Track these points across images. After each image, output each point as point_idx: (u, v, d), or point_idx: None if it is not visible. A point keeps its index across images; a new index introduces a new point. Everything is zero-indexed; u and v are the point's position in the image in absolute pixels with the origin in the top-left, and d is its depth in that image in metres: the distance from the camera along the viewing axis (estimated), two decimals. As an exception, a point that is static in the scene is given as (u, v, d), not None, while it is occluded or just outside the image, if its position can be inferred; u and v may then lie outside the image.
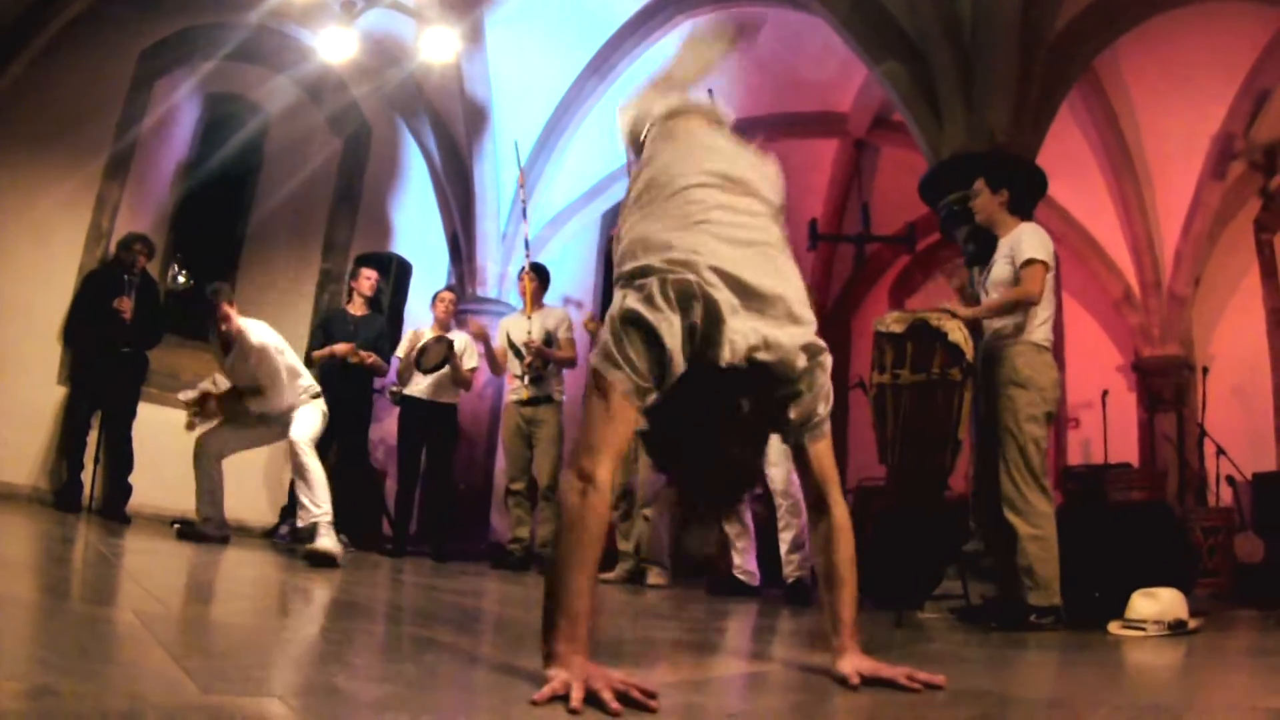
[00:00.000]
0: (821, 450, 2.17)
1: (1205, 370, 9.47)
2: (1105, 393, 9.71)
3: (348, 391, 7.64)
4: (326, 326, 7.97)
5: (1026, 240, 4.47)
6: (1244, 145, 9.51)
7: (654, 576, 6.40)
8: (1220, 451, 8.81)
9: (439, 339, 7.70)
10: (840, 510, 2.18)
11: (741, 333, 1.93)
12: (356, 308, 8.06)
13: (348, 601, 3.33)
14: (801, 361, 2.05)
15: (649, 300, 1.87)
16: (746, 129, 8.90)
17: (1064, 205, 10.17)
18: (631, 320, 1.86)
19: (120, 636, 1.75)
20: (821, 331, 7.24)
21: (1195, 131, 9.44)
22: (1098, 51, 7.30)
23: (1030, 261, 4.37)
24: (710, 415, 1.94)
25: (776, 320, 2.02)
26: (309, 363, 7.80)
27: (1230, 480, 8.82)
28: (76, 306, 7.73)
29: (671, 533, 6.26)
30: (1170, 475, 9.58)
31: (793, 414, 2.09)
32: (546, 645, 1.68)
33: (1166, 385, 10.10)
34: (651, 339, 1.84)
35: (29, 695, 1.13)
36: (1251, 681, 2.51)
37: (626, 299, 1.91)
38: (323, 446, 7.76)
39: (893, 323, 4.37)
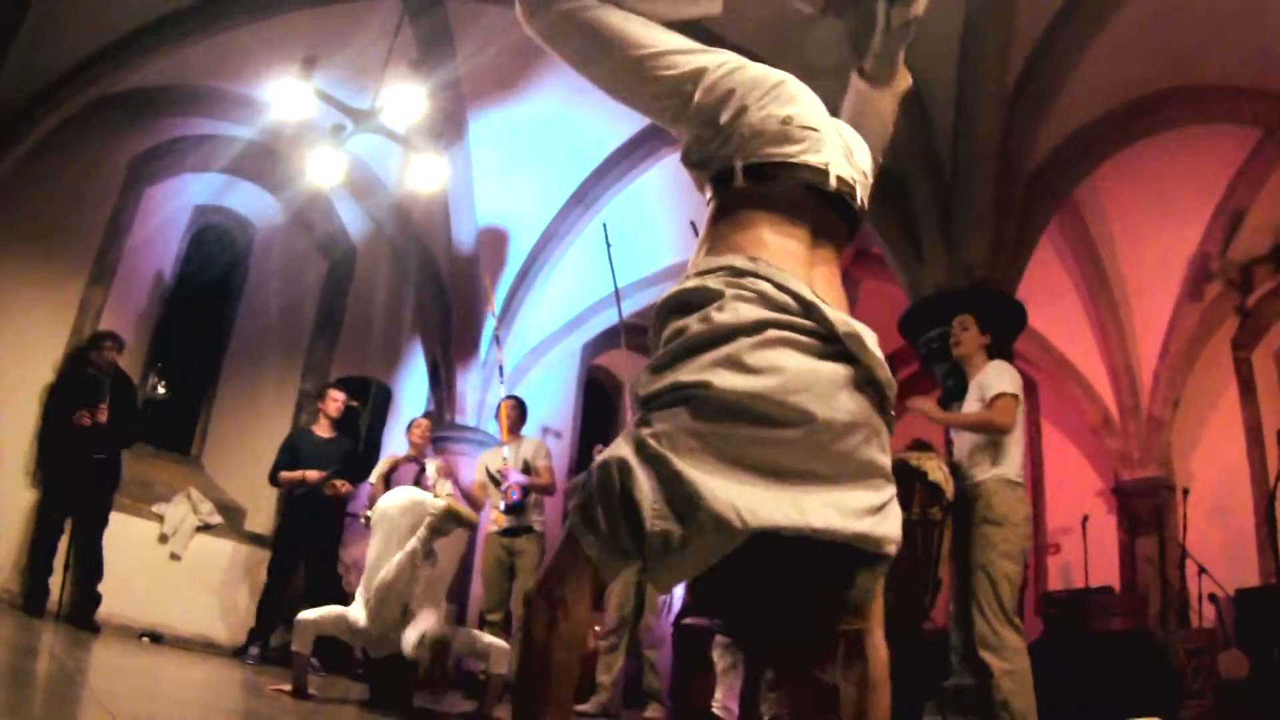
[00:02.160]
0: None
1: (1185, 491, 9.49)
2: (1085, 518, 9.71)
3: (315, 515, 7.65)
4: (293, 447, 7.89)
5: (995, 376, 4.57)
6: (1219, 265, 9.68)
7: (651, 710, 6.43)
8: (1202, 570, 8.79)
9: (412, 458, 7.69)
10: (880, 655, 1.72)
11: None
12: (323, 429, 8.03)
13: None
14: None
15: None
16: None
17: (1042, 332, 10.26)
18: None
19: None
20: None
21: (1171, 254, 9.63)
22: (1075, 183, 7.56)
23: (1000, 395, 4.43)
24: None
25: None
26: (275, 483, 7.79)
27: (1213, 598, 8.79)
28: (49, 409, 7.66)
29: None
30: (1152, 597, 9.54)
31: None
32: None
33: (1146, 507, 10.10)
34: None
35: None
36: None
37: None
38: (289, 569, 7.75)
39: (872, 462, 4.38)
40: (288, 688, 4.76)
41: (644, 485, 1.46)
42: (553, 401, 11.15)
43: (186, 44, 7.61)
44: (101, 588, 7.30)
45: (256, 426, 9.10)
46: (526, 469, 7.18)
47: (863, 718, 1.66)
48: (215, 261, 9.82)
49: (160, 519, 8.29)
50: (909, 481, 4.29)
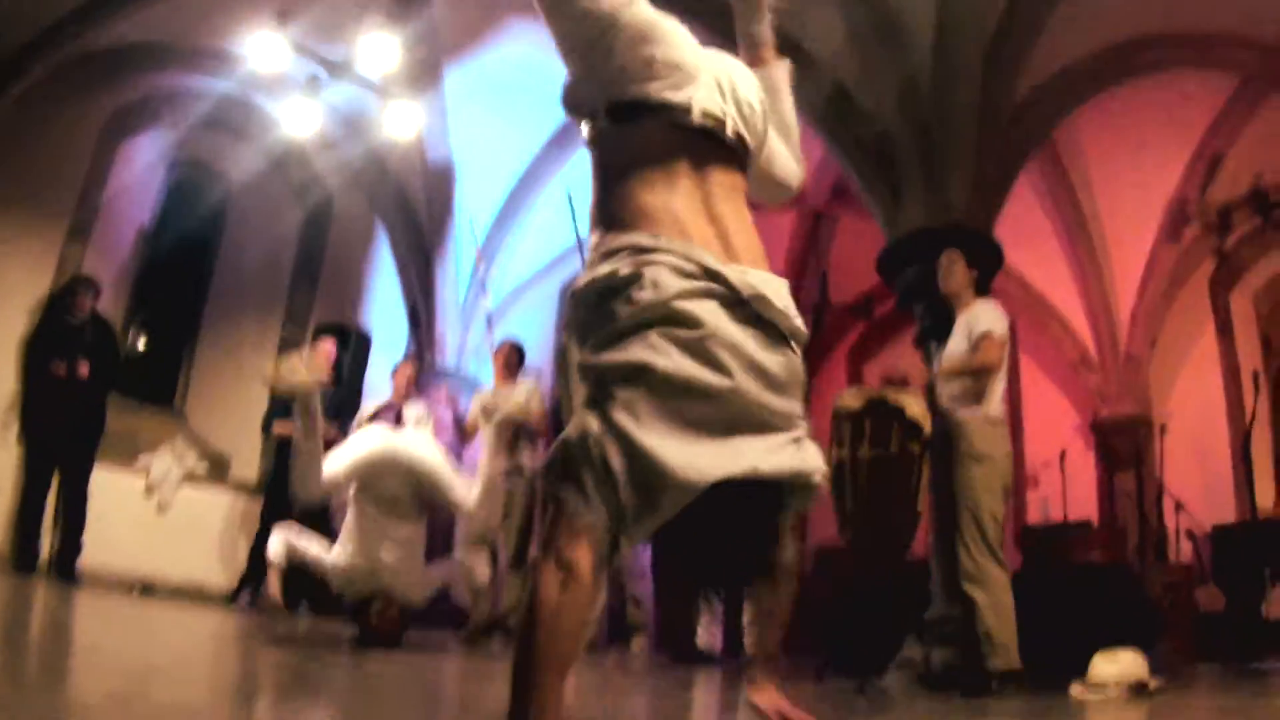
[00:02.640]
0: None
1: (1163, 428, 9.64)
2: (1063, 452, 9.84)
3: None
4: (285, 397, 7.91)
5: (983, 315, 4.59)
6: (1197, 208, 9.76)
7: (636, 644, 6.54)
8: (1179, 507, 8.95)
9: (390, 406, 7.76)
10: (792, 551, 1.99)
11: None
12: None
13: (308, 680, 3.31)
14: None
15: None
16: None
17: (1021, 272, 10.34)
18: None
19: None
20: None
21: (1150, 196, 9.70)
22: (1054, 124, 7.55)
23: (987, 334, 4.48)
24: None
25: None
26: (267, 433, 7.82)
27: (1190, 534, 8.97)
28: (27, 362, 7.50)
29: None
30: (1130, 532, 9.70)
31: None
32: None
33: (1124, 444, 10.24)
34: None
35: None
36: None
37: None
38: (281, 515, 7.79)
39: (851, 399, 4.46)
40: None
41: (615, 458, 1.57)
42: (533, 342, 11.19)
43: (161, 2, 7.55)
44: (91, 542, 7.30)
45: (238, 375, 9.13)
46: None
47: (774, 592, 1.99)
48: (193, 213, 9.76)
49: (146, 472, 8.35)
50: (887, 418, 4.35)
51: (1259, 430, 9.50)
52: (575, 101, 1.98)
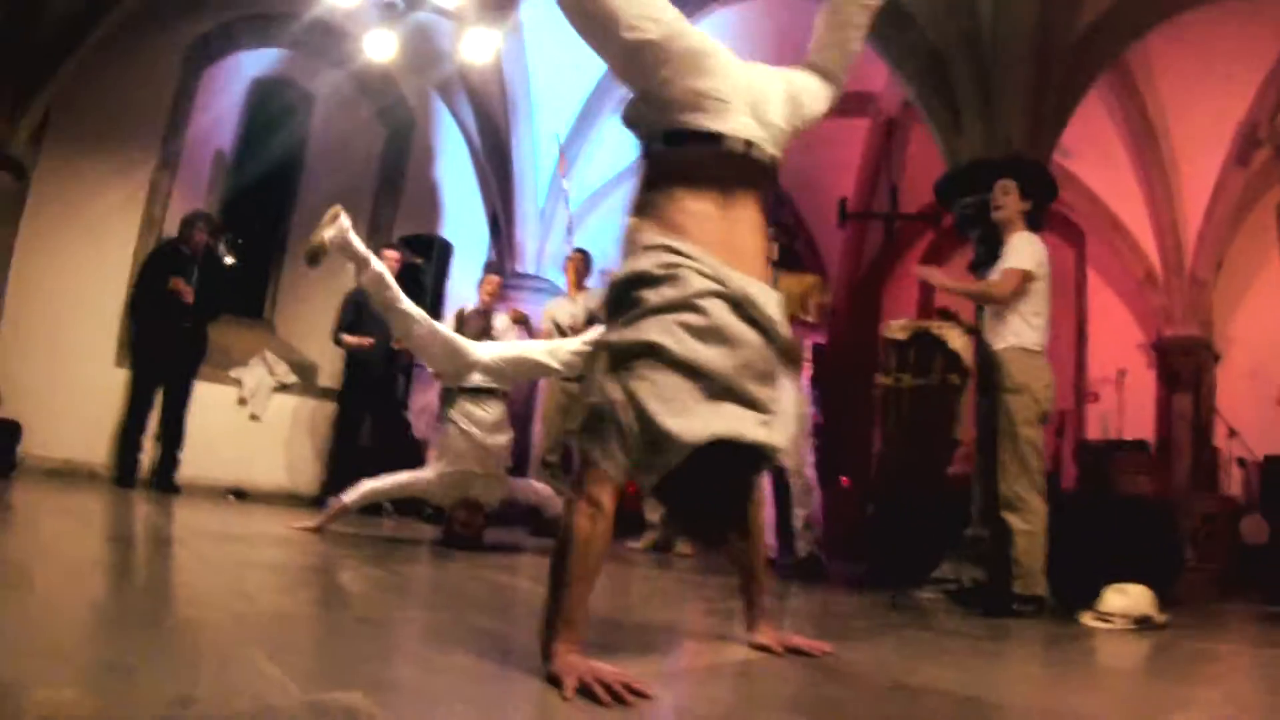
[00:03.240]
0: None
1: (1217, 357, 9.73)
2: (1122, 372, 9.98)
3: (377, 370, 8.32)
4: (357, 304, 8.30)
5: (1018, 248, 4.76)
6: (1268, 133, 9.66)
7: (683, 546, 6.84)
8: (1232, 433, 9.06)
9: (479, 313, 8.17)
10: (756, 508, 2.47)
11: None
12: None
13: (398, 585, 3.72)
14: None
15: None
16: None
17: (1089, 185, 10.42)
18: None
19: (224, 641, 2.12)
20: (853, 301, 7.59)
21: (1221, 119, 9.61)
22: (1115, 57, 7.51)
23: (1009, 268, 4.68)
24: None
25: None
26: (338, 343, 8.28)
27: (1241, 461, 9.08)
28: (141, 285, 8.18)
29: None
30: (1184, 455, 9.85)
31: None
32: (548, 644, 1.95)
33: (1185, 366, 10.32)
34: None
35: (179, 703, 1.51)
36: (1161, 694, 2.85)
37: None
38: (356, 423, 8.31)
39: (898, 330, 4.72)
40: (312, 525, 5.40)
41: (630, 421, 2.00)
42: (611, 245, 11.47)
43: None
44: (188, 452, 7.94)
45: (324, 287, 9.49)
46: (592, 320, 7.41)
47: (748, 556, 2.50)
48: (277, 132, 10.11)
49: (239, 383, 8.89)
50: (930, 349, 4.60)
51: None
52: (634, 122, 2.40)
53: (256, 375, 8.91)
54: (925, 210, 9.00)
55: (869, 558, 5.18)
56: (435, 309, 8.92)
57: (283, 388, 9.08)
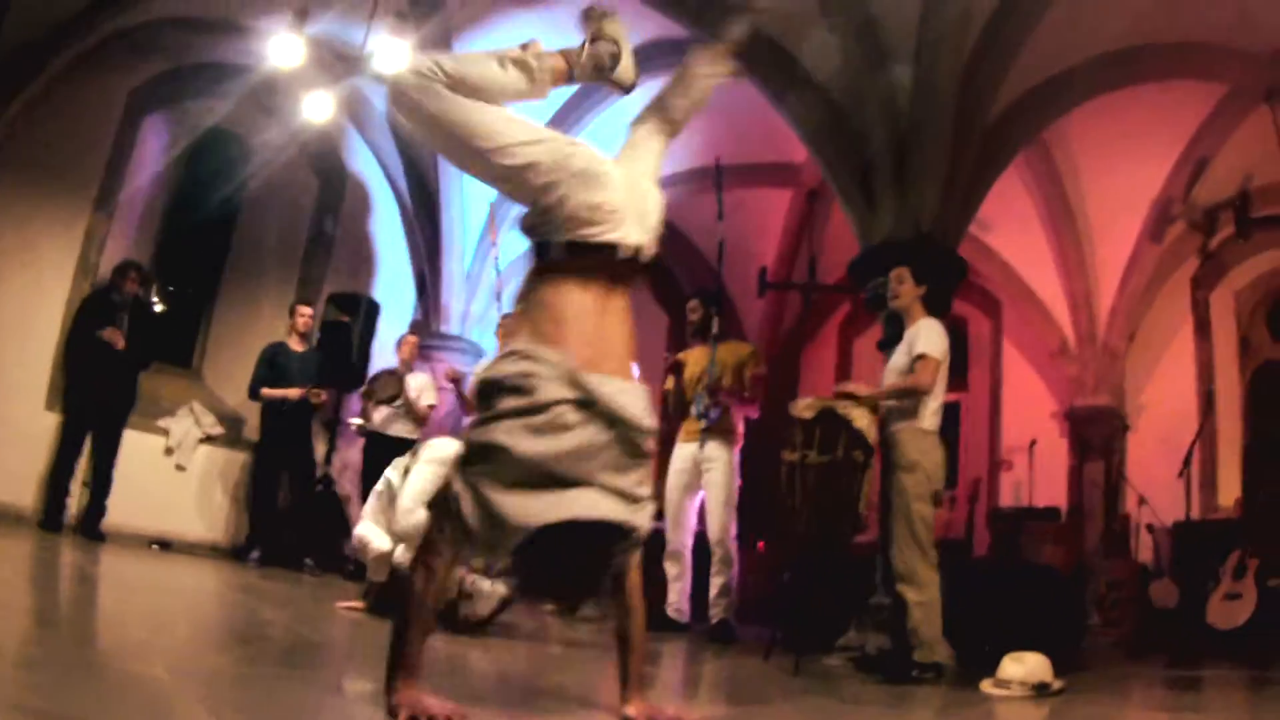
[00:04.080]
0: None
1: (1128, 426, 10.09)
2: (1033, 442, 10.28)
3: (292, 424, 8.38)
4: (271, 360, 8.49)
5: (924, 335, 5.01)
6: (1182, 209, 10.05)
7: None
8: (1142, 500, 9.35)
9: (391, 372, 8.34)
10: (634, 580, 2.63)
11: None
12: (295, 344, 8.64)
13: (322, 643, 3.76)
14: None
15: None
16: (699, 178, 9.32)
17: (1005, 257, 10.78)
18: None
19: (166, 695, 2.20)
20: (772, 370, 7.65)
21: (1136, 194, 9.95)
22: (1030, 139, 7.84)
23: (922, 356, 4.92)
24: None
25: None
26: (255, 398, 8.33)
27: (1150, 527, 9.36)
28: (73, 332, 8.21)
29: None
30: (1095, 522, 10.14)
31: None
32: (390, 683, 2.20)
33: (1096, 434, 10.64)
34: None
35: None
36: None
37: None
38: (273, 476, 8.37)
39: (804, 409, 4.91)
40: (360, 605, 5.10)
41: (469, 505, 2.22)
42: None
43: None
44: (114, 500, 7.93)
45: (254, 339, 9.47)
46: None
47: (627, 629, 2.59)
48: (213, 181, 10.16)
49: (166, 432, 8.86)
50: (835, 427, 4.80)
51: (1227, 429, 9.96)
52: (533, 232, 2.62)
53: (184, 425, 8.91)
54: (843, 281, 9.26)
55: (778, 624, 5.33)
56: (361, 369, 9.01)
57: (209, 439, 9.07)
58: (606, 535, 2.35)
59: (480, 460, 2.27)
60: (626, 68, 2.86)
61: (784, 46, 7.20)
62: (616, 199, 2.56)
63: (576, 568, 2.39)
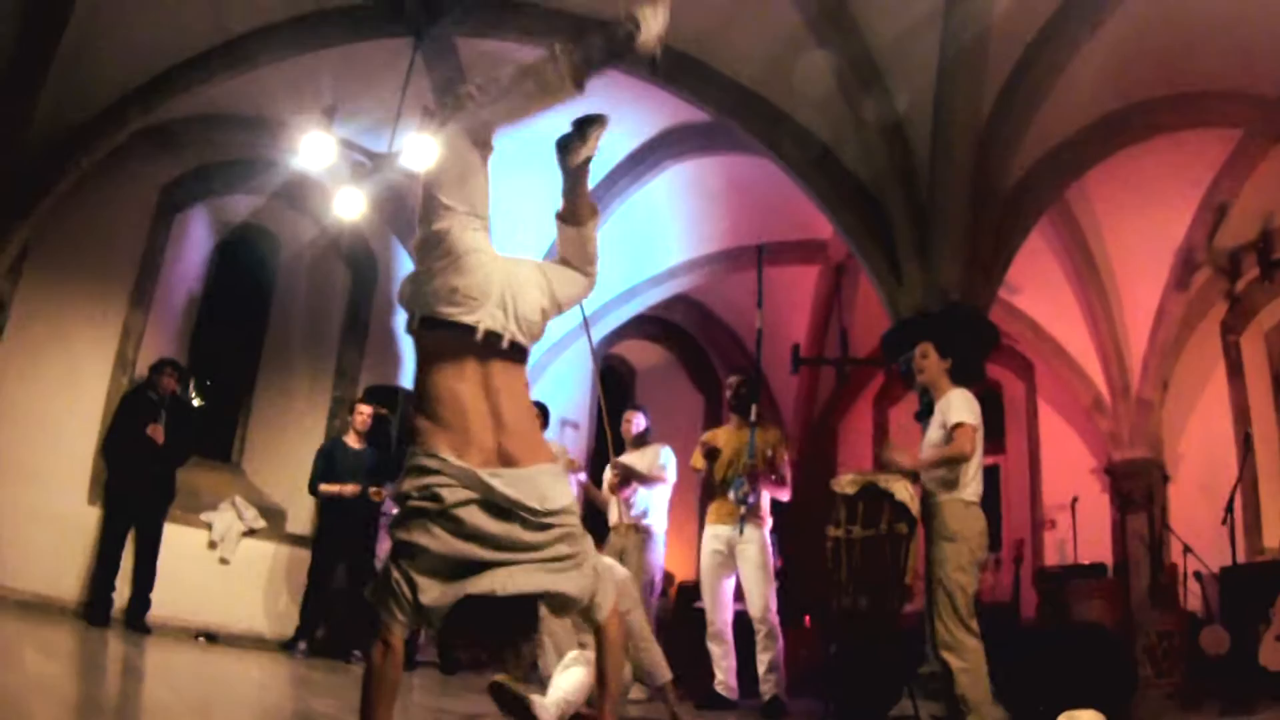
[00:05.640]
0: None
1: (1167, 477, 10.03)
2: (1075, 499, 10.23)
3: (351, 518, 8.41)
4: (329, 456, 8.58)
5: (955, 405, 5.05)
6: (1205, 255, 10.07)
7: (635, 691, 6.95)
8: (1187, 549, 9.25)
9: None
10: (612, 631, 2.83)
11: None
12: (353, 440, 8.71)
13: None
14: None
15: None
16: (730, 258, 9.41)
17: (1034, 318, 10.80)
18: None
19: None
20: (809, 445, 7.72)
21: (1159, 246, 9.98)
22: (1054, 198, 7.90)
23: (959, 424, 4.95)
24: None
25: None
26: (314, 493, 8.40)
27: (1198, 575, 9.26)
28: (114, 428, 8.34)
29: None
30: (1141, 574, 10.03)
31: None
32: None
33: (1137, 487, 10.55)
34: None
35: None
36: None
37: None
38: (329, 570, 8.40)
39: (847, 484, 4.96)
40: None
41: (403, 585, 2.51)
42: (570, 394, 11.67)
43: (212, 81, 8.07)
44: (158, 593, 8.00)
45: (293, 432, 9.67)
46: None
47: (604, 671, 2.83)
48: (245, 275, 10.42)
49: (209, 526, 8.94)
50: (878, 500, 4.84)
51: (1267, 470, 9.85)
52: (404, 300, 2.88)
53: (226, 519, 8.99)
54: (875, 353, 9.32)
55: (830, 696, 5.34)
56: (399, 460, 9.04)
57: (251, 532, 9.14)
58: (524, 602, 2.64)
59: (404, 554, 2.56)
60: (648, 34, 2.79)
61: (797, 119, 7.34)
62: (477, 285, 2.77)
63: (498, 626, 2.68)
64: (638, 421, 7.53)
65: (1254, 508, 9.75)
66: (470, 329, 2.74)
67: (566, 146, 2.93)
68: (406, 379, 10.23)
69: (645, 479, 7.06)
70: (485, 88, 2.89)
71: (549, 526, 2.65)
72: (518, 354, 2.86)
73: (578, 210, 3.05)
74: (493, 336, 2.76)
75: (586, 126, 2.91)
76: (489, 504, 2.59)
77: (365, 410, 8.77)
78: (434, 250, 2.77)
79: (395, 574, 2.53)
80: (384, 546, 9.07)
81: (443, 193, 2.80)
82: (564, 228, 3.08)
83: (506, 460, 2.67)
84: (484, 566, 2.56)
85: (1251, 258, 9.90)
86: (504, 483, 2.60)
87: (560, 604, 2.72)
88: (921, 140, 6.83)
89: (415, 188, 2.93)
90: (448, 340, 2.76)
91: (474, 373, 2.75)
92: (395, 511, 2.70)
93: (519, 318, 2.83)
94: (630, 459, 7.23)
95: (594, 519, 7.02)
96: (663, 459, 7.12)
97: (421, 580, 2.51)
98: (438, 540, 2.53)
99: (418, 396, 2.80)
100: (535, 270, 2.98)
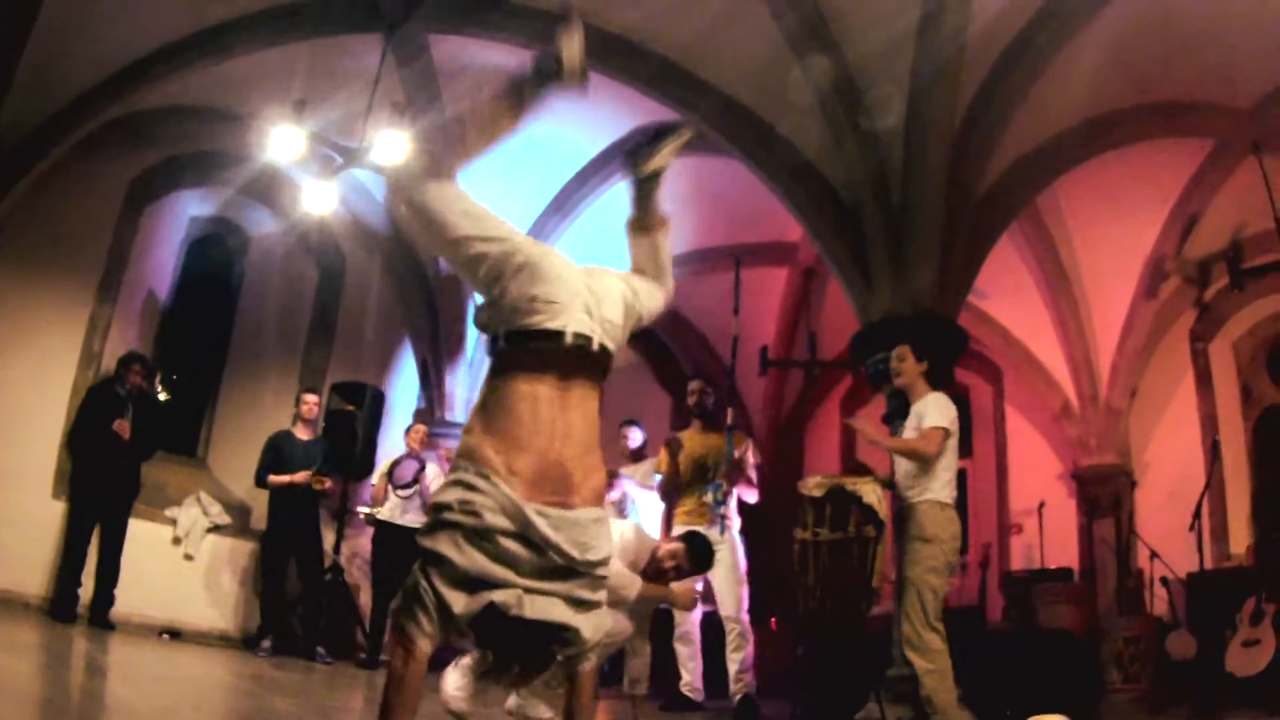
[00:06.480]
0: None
1: (1134, 483, 10.10)
2: (1042, 504, 10.29)
3: (299, 512, 8.31)
4: (276, 448, 8.49)
5: (931, 408, 5.07)
6: (1175, 266, 10.16)
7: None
8: (1154, 555, 9.32)
9: (412, 455, 8.36)
10: (585, 676, 2.73)
11: None
12: (302, 431, 8.66)
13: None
14: None
15: None
16: (699, 260, 9.41)
17: (1004, 324, 10.86)
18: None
19: None
20: (776, 445, 7.76)
21: (1128, 254, 10.06)
22: (1025, 205, 7.93)
23: (933, 428, 4.96)
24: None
25: None
26: (262, 485, 8.33)
27: (1164, 581, 9.32)
28: (79, 423, 8.24)
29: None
30: (1108, 580, 10.11)
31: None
32: None
33: (1104, 493, 10.61)
34: None
35: None
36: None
37: None
38: (280, 565, 8.33)
39: (814, 487, 4.95)
40: None
41: (430, 595, 2.42)
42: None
43: (183, 73, 7.98)
44: (122, 589, 7.88)
45: (259, 428, 9.48)
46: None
47: (575, 707, 2.71)
48: (213, 270, 10.34)
49: (173, 522, 8.85)
50: (845, 504, 4.84)
51: (1234, 477, 9.94)
52: (483, 326, 2.78)
53: (191, 515, 8.90)
54: (843, 356, 9.33)
55: (797, 699, 5.33)
56: (366, 457, 9.01)
57: (216, 528, 9.05)
58: (545, 631, 2.57)
59: (432, 562, 2.47)
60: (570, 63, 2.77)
61: (775, 128, 7.35)
62: (557, 292, 2.68)
63: (523, 652, 2.66)
64: (633, 436, 7.68)
65: (1221, 514, 9.82)
66: (557, 335, 2.64)
67: (636, 155, 2.93)
68: (373, 376, 10.20)
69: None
70: (461, 123, 2.83)
71: (582, 574, 2.59)
72: (602, 364, 2.75)
73: (646, 219, 3.02)
74: (581, 340, 2.66)
75: (660, 138, 2.91)
76: (526, 538, 2.51)
77: (310, 399, 8.77)
78: (500, 273, 2.69)
79: (423, 584, 2.45)
80: (349, 545, 9.04)
81: (473, 244, 2.71)
82: (635, 236, 3.05)
83: (560, 478, 2.59)
84: (508, 584, 2.50)
85: (1221, 267, 9.96)
86: (549, 524, 2.52)
87: (570, 640, 2.63)
88: (895, 149, 6.83)
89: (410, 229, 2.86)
90: (531, 353, 2.66)
91: (552, 387, 2.64)
92: (427, 519, 2.60)
93: (605, 322, 2.76)
94: (628, 471, 7.36)
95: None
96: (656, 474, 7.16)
97: (448, 592, 2.44)
98: (464, 556, 2.46)
99: (481, 407, 2.67)
100: (618, 279, 2.90)
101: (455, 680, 3.92)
